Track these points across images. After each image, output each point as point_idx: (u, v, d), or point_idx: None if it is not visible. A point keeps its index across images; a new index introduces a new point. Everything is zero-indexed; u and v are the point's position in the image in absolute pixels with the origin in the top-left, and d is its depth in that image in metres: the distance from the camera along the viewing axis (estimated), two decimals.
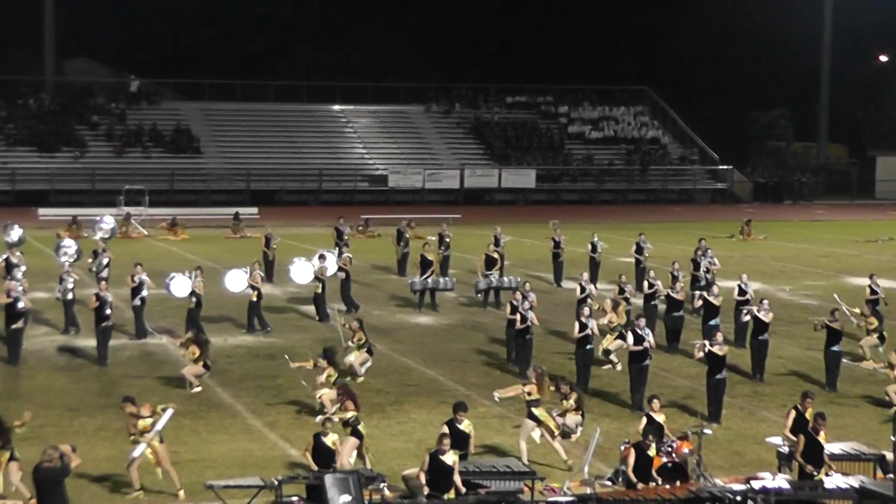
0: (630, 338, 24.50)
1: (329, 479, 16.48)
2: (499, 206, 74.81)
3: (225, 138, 78.95)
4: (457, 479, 17.28)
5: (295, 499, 17.36)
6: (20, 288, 28.52)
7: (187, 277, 30.94)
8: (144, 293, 30.03)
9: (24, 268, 32.50)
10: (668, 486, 17.88)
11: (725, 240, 53.85)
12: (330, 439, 18.13)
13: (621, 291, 30.59)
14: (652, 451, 18.14)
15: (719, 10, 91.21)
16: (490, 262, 36.46)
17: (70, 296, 30.77)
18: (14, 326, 27.91)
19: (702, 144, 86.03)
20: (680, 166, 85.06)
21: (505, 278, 36.56)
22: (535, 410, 20.66)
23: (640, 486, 17.80)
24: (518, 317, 27.13)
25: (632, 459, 18.01)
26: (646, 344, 24.24)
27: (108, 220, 42.09)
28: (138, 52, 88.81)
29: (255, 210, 62.95)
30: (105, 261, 33.92)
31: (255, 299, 31.61)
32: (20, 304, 28.04)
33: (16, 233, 39.92)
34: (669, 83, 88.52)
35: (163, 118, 78.85)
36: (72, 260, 35.35)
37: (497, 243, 39.84)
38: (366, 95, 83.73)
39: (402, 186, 76.02)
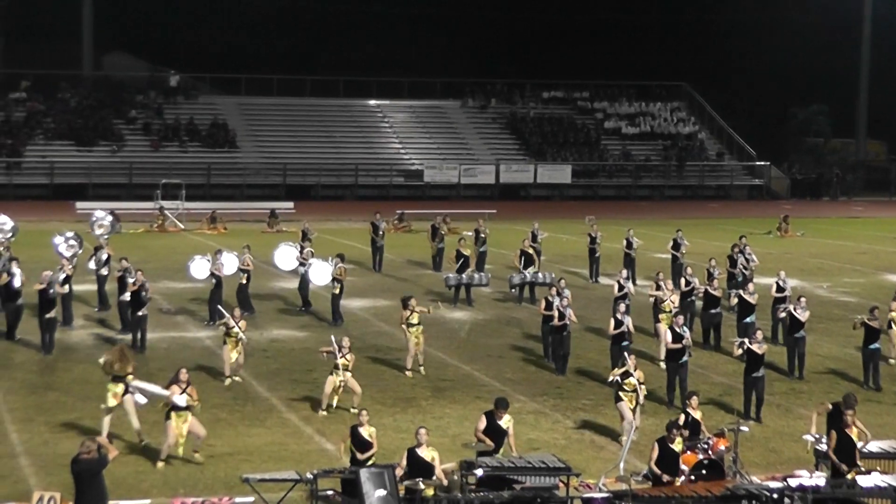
0: (668, 335, 24.40)
1: (364, 474, 16.48)
2: (534, 202, 74.71)
3: (261, 133, 79.18)
4: (438, 472, 17.42)
5: (330, 492, 17.39)
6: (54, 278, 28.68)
7: (206, 261, 32.12)
8: (131, 281, 29.95)
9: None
10: (703, 483, 17.77)
11: (763, 236, 53.56)
12: (367, 431, 18.17)
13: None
14: (677, 446, 17.96)
15: (757, 5, 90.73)
16: (525, 258, 36.38)
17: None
18: (48, 316, 28.07)
19: (739, 140, 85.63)
20: (717, 162, 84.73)
21: (539, 274, 36.44)
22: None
23: (665, 478, 17.65)
24: (556, 313, 26.99)
25: (655, 454, 17.91)
26: (685, 342, 24.12)
27: (102, 214, 41.82)
28: (175, 46, 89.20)
29: (290, 204, 63.06)
30: (104, 257, 33.51)
31: (244, 282, 32.53)
32: (51, 292, 28.19)
33: (8, 224, 39.25)
34: (707, 79, 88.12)
35: (199, 112, 79.18)
36: (76, 250, 34.78)
37: (534, 239, 39.84)
38: (402, 90, 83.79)
39: (438, 181, 76.04)
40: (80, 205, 60.73)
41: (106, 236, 37.82)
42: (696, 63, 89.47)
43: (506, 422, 18.79)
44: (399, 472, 17.19)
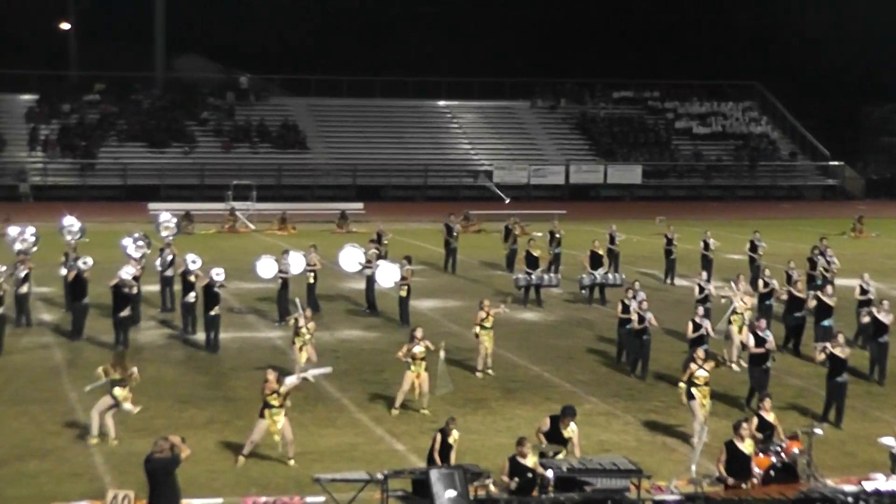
0: (751, 339, 24.06)
1: (435, 475, 16.44)
2: (604, 202, 74.38)
3: (331, 134, 79.54)
4: (538, 470, 17.26)
5: (401, 493, 17.38)
6: (131, 275, 29.00)
7: (273, 260, 32.37)
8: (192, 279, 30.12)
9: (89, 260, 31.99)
10: (777, 486, 17.56)
11: (837, 237, 52.86)
12: (452, 437, 18.20)
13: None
14: (748, 447, 17.70)
15: (830, 2, 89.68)
16: (595, 259, 36.22)
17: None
18: (122, 314, 28.34)
19: (812, 140, 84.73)
20: (790, 162, 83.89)
21: (610, 275, 36.31)
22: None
23: (730, 480, 17.41)
24: (635, 317, 26.65)
25: (723, 457, 17.71)
26: (768, 345, 23.79)
27: (166, 216, 42.07)
28: (246, 48, 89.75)
29: (360, 205, 63.22)
30: (169, 258, 33.72)
31: (311, 281, 32.82)
32: (125, 290, 28.46)
33: (76, 226, 39.42)
34: (779, 78, 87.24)
35: (270, 114, 79.71)
36: (144, 251, 34.94)
37: (612, 241, 39.80)
38: (471, 91, 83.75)
39: (507, 182, 75.90)
40: (152, 206, 61.27)
41: (171, 238, 38.16)
42: (768, 62, 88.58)
43: (570, 431, 18.68)
44: (505, 478, 17.15)
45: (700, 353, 22.00)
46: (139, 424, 21.95)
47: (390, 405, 23.49)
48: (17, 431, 21.73)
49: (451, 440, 18.24)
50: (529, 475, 17.10)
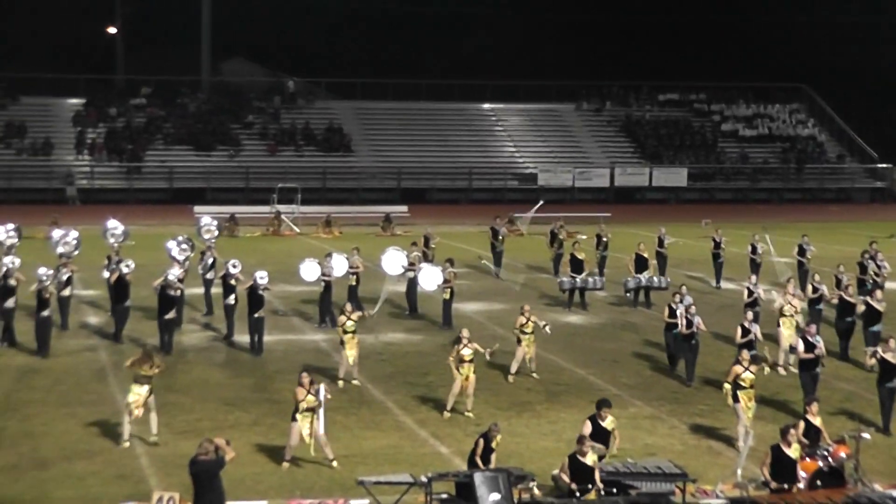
0: (801, 345, 23.85)
1: (479, 478, 16.43)
2: (649, 205, 74.09)
3: (376, 137, 79.63)
4: (597, 477, 17.14)
5: (445, 496, 17.36)
6: (175, 276, 29.15)
7: (316, 263, 32.38)
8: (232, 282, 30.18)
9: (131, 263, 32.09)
10: (823, 491, 17.40)
11: (885, 240, 52.34)
12: (495, 442, 18.15)
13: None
14: (794, 452, 17.53)
15: (877, 4, 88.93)
16: (640, 262, 36.07)
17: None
18: (167, 317, 28.48)
19: (860, 142, 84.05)
20: (837, 165, 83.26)
21: (655, 278, 36.16)
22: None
23: (773, 484, 17.25)
24: (683, 321, 26.42)
25: (768, 460, 17.57)
26: (817, 351, 23.56)
27: (207, 219, 42.13)
28: (292, 51, 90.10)
29: (405, 208, 63.26)
30: (210, 261, 33.85)
31: (353, 283, 32.91)
32: (170, 292, 28.58)
33: (119, 229, 39.55)
34: (827, 80, 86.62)
35: (315, 117, 79.90)
36: (188, 254, 34.61)
37: (661, 244, 39.63)
38: (516, 94, 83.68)
39: (552, 185, 75.73)
40: (197, 209, 61.52)
41: (213, 241, 38.34)
42: (816, 64, 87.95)
43: (609, 423, 18.65)
44: (565, 477, 17.11)
45: (745, 354, 21.82)
46: (184, 426, 22.07)
47: (435, 408, 23.48)
48: (64, 433, 21.87)
49: (493, 445, 18.20)
50: (588, 473, 17.02)
